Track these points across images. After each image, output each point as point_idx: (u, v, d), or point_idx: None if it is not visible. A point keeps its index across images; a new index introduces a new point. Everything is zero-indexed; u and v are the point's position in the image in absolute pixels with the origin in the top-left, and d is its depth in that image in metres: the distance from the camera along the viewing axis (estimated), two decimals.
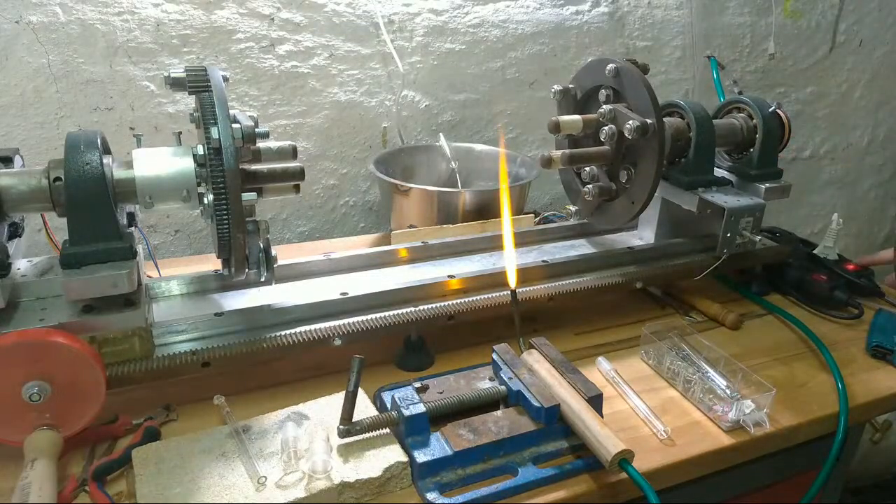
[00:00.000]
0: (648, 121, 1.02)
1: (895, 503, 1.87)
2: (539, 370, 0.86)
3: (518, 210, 1.40)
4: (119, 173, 0.82)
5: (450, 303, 0.97)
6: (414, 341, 0.98)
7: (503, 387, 0.84)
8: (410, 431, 0.77)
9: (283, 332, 0.88)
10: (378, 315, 0.93)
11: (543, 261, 1.09)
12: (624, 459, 0.74)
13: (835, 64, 2.17)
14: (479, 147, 1.58)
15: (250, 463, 0.74)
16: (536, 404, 0.79)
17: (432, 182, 1.52)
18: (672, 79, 1.92)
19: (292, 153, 0.87)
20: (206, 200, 0.82)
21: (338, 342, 0.91)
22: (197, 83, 0.83)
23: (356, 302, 0.95)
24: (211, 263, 1.06)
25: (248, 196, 0.81)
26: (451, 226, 1.27)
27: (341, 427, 0.76)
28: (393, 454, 0.76)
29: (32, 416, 0.74)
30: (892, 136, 2.40)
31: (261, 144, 0.85)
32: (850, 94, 2.25)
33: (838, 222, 1.30)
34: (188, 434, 0.79)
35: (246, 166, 0.84)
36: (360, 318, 0.92)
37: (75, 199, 0.77)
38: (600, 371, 0.98)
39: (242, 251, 0.84)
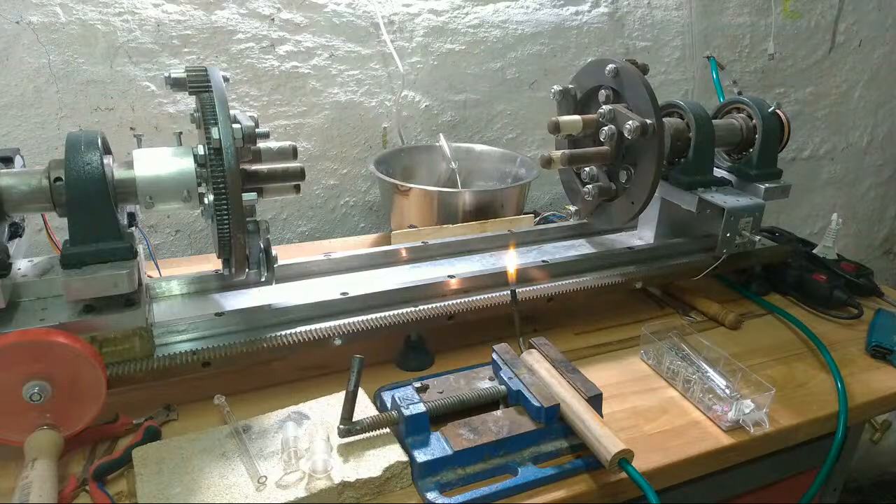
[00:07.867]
0: (648, 121, 1.02)
1: (895, 503, 1.87)
2: (539, 370, 0.86)
3: (518, 210, 1.40)
4: (119, 173, 0.82)
5: (450, 303, 0.97)
6: (414, 341, 0.98)
7: (503, 386, 0.84)
8: (410, 431, 0.77)
9: (283, 332, 0.88)
10: (378, 315, 0.93)
11: (543, 261, 1.09)
12: (624, 459, 0.74)
13: (834, 64, 2.17)
14: (479, 147, 1.58)
15: (251, 462, 0.74)
16: (536, 404, 0.79)
17: (432, 182, 1.53)
18: (672, 79, 1.92)
19: (292, 153, 0.87)
20: (206, 200, 0.82)
21: (338, 342, 0.91)
22: (197, 83, 0.83)
23: (356, 302, 0.95)
24: (211, 263, 1.06)
25: (248, 196, 0.81)
26: (451, 226, 1.27)
27: (341, 427, 0.76)
28: (393, 454, 0.76)
29: (33, 416, 0.75)
30: (892, 136, 2.40)
31: (261, 144, 0.85)
32: (849, 95, 2.25)
33: (838, 222, 1.30)
34: (188, 434, 0.79)
35: (246, 166, 0.85)
36: (360, 318, 0.92)
37: (76, 199, 0.77)
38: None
39: (243, 251, 0.84)
